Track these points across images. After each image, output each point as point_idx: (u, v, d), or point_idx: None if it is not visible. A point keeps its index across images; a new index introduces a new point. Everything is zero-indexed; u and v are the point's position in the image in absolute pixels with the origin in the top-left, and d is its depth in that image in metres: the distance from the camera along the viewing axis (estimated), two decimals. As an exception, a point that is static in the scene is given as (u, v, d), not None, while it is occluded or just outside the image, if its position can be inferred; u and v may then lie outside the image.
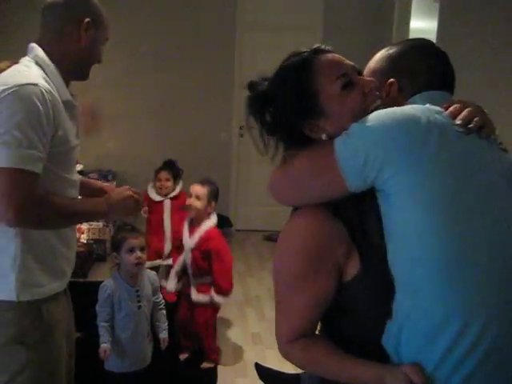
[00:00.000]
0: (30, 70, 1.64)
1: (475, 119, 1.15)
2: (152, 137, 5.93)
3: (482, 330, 1.03)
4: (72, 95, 1.77)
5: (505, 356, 1.05)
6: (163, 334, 2.79)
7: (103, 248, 4.97)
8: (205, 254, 3.26)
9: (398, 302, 1.12)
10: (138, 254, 2.56)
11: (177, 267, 3.36)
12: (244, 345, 3.58)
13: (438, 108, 1.16)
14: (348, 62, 1.22)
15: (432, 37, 4.55)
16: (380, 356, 1.16)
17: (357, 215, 1.18)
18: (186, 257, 3.30)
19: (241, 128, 6.09)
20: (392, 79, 1.31)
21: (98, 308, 2.56)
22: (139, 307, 2.61)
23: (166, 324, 2.83)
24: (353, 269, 1.16)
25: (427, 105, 1.17)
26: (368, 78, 1.23)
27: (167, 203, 4.18)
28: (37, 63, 1.68)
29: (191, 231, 3.30)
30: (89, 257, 4.76)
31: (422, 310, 1.07)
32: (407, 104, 1.23)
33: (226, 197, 5.53)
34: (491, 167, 1.14)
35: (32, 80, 1.57)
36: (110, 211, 1.80)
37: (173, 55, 5.78)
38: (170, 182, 4.16)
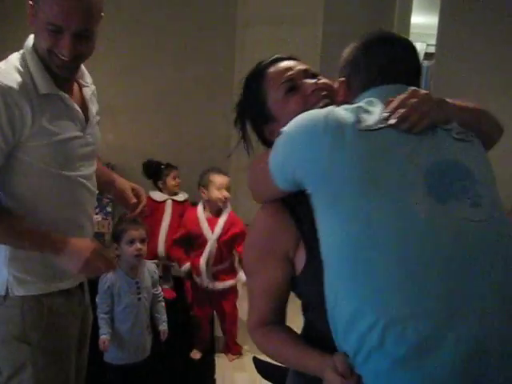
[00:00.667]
0: (5, 64, 1.59)
1: (401, 111, 1.10)
2: (151, 130, 5.92)
3: (385, 328, 0.99)
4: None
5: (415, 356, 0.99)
6: (163, 326, 2.80)
7: (102, 241, 4.96)
8: (230, 239, 3.27)
9: (327, 297, 1.12)
10: (138, 245, 2.57)
11: (203, 261, 3.26)
12: (242, 339, 3.58)
13: (361, 104, 1.14)
14: (300, 67, 1.30)
15: (433, 32, 4.55)
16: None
17: (310, 212, 1.17)
18: (211, 248, 3.25)
19: (241, 121, 6.08)
20: (341, 79, 1.27)
21: (97, 300, 2.56)
22: (139, 299, 2.62)
23: (166, 316, 2.84)
24: (300, 263, 1.22)
25: (362, 102, 1.15)
26: (310, 81, 1.28)
27: (169, 203, 4.10)
28: (22, 55, 1.62)
29: (210, 223, 3.27)
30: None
31: (338, 305, 1.07)
32: (354, 102, 1.19)
33: (225, 191, 5.54)
34: (408, 161, 1.07)
35: None
36: (64, 258, 1.63)
37: (173, 48, 5.77)
38: (177, 179, 4.16)
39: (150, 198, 4.03)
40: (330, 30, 5.72)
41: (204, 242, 3.26)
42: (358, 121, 1.09)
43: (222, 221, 3.26)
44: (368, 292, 1.02)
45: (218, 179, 3.23)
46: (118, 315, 2.58)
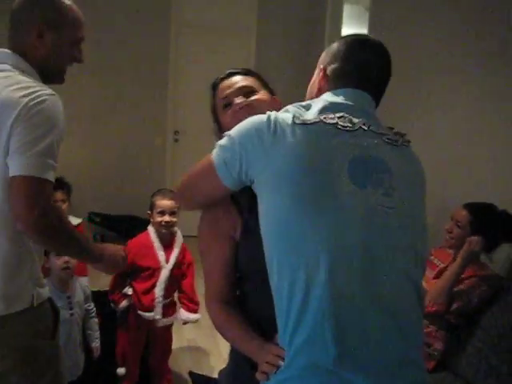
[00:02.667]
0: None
1: None
2: (85, 142, 5.80)
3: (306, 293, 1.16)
4: None
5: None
6: (95, 343, 2.72)
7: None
8: (181, 268, 3.04)
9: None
10: (66, 257, 2.48)
11: (159, 293, 2.93)
12: (179, 351, 3.53)
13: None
14: (240, 84, 1.55)
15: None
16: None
17: (249, 200, 1.41)
18: (164, 280, 2.95)
19: (175, 133, 6.05)
20: (322, 66, 1.44)
21: (26, 317, 2.45)
22: (71, 314, 2.54)
23: (98, 333, 2.76)
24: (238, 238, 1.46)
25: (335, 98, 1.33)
26: (239, 100, 1.52)
27: None
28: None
29: (165, 252, 3.00)
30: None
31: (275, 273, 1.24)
32: (328, 97, 1.35)
33: (161, 203, 5.44)
34: (336, 150, 1.24)
35: None
36: (101, 260, 1.78)
37: (105, 56, 5.65)
38: (66, 203, 3.56)
39: None
40: (263, 36, 5.79)
41: (156, 271, 2.95)
42: (297, 117, 1.27)
43: (176, 248, 3.03)
44: (300, 261, 1.18)
45: (161, 203, 2.96)
46: (49, 332, 2.48)
